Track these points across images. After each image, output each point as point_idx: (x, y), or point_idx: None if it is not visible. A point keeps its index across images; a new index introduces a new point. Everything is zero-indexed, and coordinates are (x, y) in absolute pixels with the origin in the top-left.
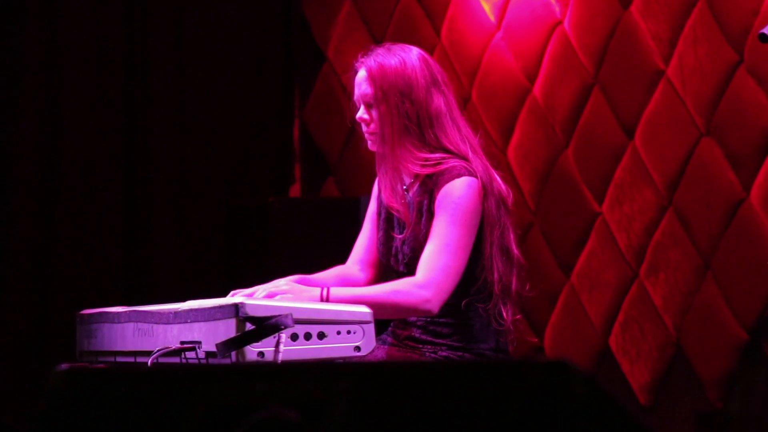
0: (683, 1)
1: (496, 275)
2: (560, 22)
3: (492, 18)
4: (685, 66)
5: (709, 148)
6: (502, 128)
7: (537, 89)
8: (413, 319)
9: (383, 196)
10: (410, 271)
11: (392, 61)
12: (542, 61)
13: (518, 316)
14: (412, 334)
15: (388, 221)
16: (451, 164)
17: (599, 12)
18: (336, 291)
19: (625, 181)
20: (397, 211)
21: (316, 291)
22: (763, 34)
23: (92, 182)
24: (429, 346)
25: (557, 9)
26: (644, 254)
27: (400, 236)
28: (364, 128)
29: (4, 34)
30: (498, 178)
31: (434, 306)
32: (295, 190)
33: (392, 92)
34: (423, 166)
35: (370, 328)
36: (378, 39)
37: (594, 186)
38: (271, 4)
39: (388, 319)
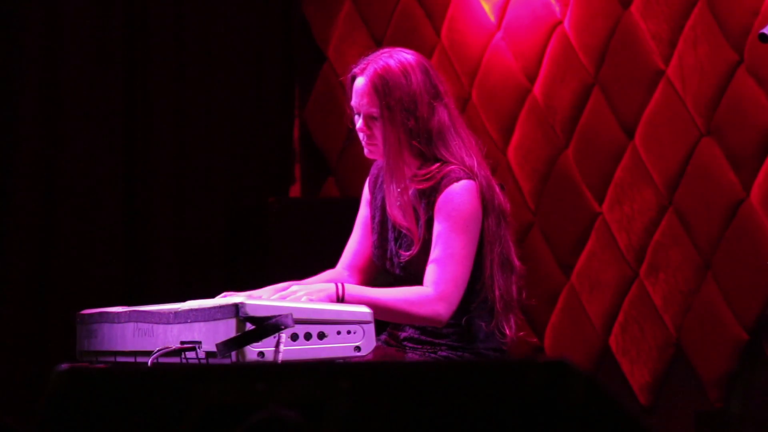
0: (683, 1)
1: (497, 293)
2: (560, 22)
3: (492, 18)
4: (685, 66)
5: (709, 148)
6: (502, 128)
7: (537, 89)
8: None
9: (390, 211)
10: (406, 274)
11: (396, 73)
12: (542, 61)
13: (522, 333)
14: (411, 335)
15: (382, 224)
16: (449, 168)
17: (599, 12)
18: (351, 289)
19: (625, 181)
20: (407, 229)
21: (332, 288)
22: (763, 34)
23: (92, 182)
24: (428, 346)
25: (557, 9)
26: (644, 254)
27: (407, 253)
28: (362, 137)
29: (4, 34)
30: (498, 190)
31: (445, 318)
32: (295, 190)
33: (398, 108)
34: (412, 181)
35: (370, 328)
36: (378, 39)
37: (594, 186)
38: (271, 4)
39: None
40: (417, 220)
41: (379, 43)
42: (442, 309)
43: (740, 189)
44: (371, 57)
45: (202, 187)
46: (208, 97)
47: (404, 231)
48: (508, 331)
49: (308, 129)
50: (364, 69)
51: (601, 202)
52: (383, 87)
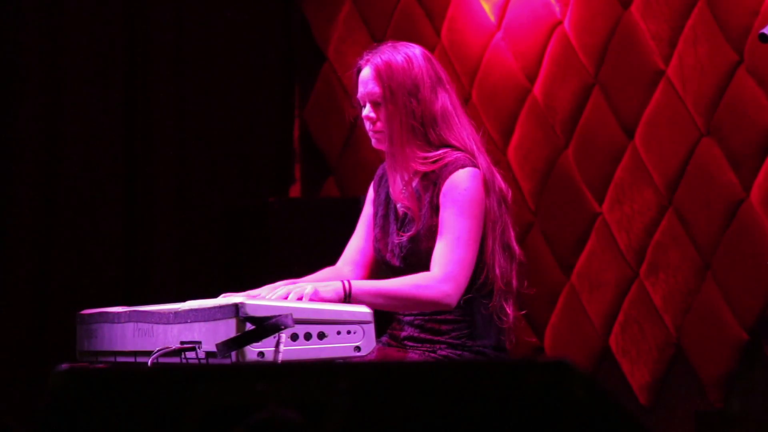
0: (683, 1)
1: (498, 271)
2: (560, 22)
3: (492, 18)
4: (685, 66)
5: (709, 148)
6: (502, 128)
7: (537, 89)
8: (409, 318)
9: (392, 193)
10: (406, 265)
11: (399, 60)
12: (542, 61)
13: (520, 313)
14: (411, 334)
15: (385, 218)
16: (453, 156)
17: (599, 12)
18: (357, 284)
19: (625, 181)
20: (408, 208)
21: (338, 284)
22: (763, 34)
23: (92, 182)
24: (428, 345)
25: (557, 9)
26: (644, 254)
27: (407, 234)
28: (368, 126)
29: (4, 34)
30: (498, 176)
31: (454, 300)
32: (295, 190)
33: (400, 92)
34: (422, 164)
35: (370, 328)
36: (378, 39)
37: (594, 186)
38: (271, 4)
39: (386, 321)
40: (419, 203)
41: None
42: (450, 289)
43: (740, 189)
44: (375, 49)
45: (203, 187)
46: (208, 97)
47: (406, 210)
48: (509, 310)
49: (308, 129)
50: (369, 60)
51: (601, 202)
52: (386, 72)
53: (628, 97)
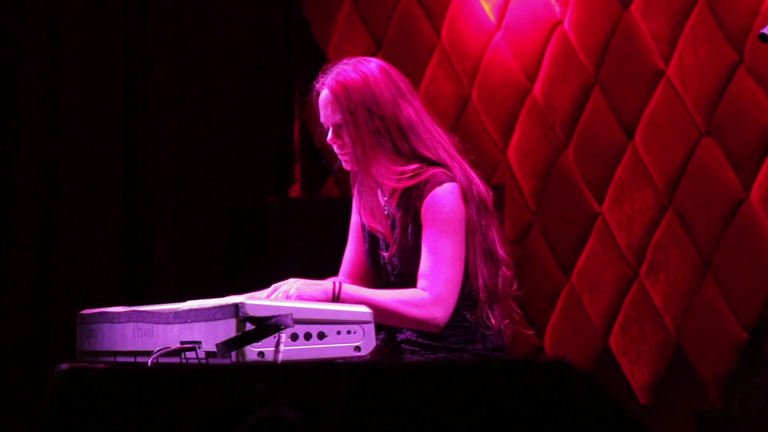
0: (683, 1)
1: (480, 282)
2: (560, 22)
3: (492, 18)
4: (685, 66)
5: (709, 148)
6: (502, 128)
7: (537, 89)
8: None
9: (363, 218)
10: (401, 281)
11: (355, 79)
12: (542, 61)
13: (506, 321)
14: (409, 337)
15: (372, 234)
16: (430, 172)
17: (599, 12)
18: (347, 288)
19: (625, 181)
20: (382, 234)
21: (328, 285)
22: (763, 34)
23: (92, 182)
24: (427, 350)
25: (557, 9)
26: (644, 254)
27: (387, 254)
28: (336, 149)
29: (4, 34)
30: (477, 180)
31: (441, 323)
32: (295, 190)
33: (360, 111)
34: (399, 180)
35: (370, 328)
36: (378, 39)
37: (594, 186)
38: (271, 4)
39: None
40: (392, 223)
41: (379, 43)
42: (439, 313)
43: (740, 189)
44: (330, 69)
45: (203, 187)
46: (208, 97)
47: (377, 234)
48: (493, 321)
49: (308, 129)
50: (324, 83)
51: (601, 202)
52: (343, 93)
53: (628, 97)
